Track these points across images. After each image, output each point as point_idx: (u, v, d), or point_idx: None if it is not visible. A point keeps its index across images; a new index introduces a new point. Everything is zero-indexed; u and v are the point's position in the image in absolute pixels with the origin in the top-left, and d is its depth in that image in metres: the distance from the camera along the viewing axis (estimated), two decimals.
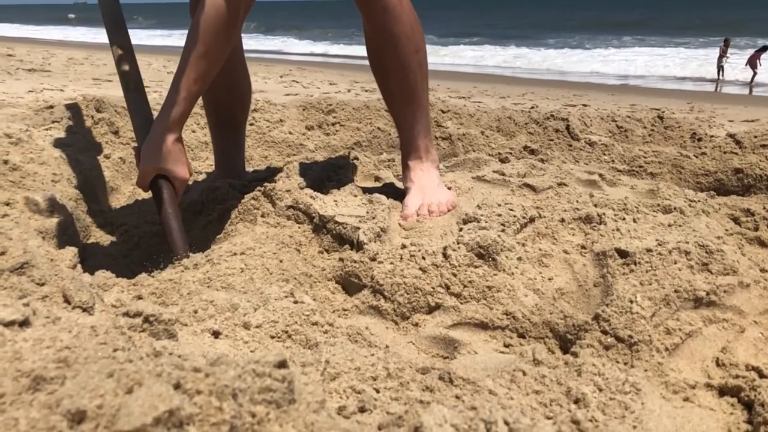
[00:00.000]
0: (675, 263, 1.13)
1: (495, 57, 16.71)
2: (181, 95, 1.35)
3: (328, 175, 1.80)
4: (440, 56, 16.41)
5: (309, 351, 0.92)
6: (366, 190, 1.61)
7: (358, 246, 1.32)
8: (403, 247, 1.27)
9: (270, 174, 1.87)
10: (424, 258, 1.22)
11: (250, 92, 1.94)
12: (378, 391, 0.84)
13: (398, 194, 1.63)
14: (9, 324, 0.69)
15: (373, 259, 1.25)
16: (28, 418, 0.49)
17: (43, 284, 1.06)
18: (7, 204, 1.39)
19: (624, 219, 1.37)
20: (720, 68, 12.81)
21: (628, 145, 2.35)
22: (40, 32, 23.59)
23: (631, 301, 1.06)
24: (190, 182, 1.87)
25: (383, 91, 1.64)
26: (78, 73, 5.64)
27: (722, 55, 13.08)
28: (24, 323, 0.72)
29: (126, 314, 0.88)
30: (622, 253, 1.20)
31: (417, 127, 1.62)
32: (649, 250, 1.16)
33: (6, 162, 1.64)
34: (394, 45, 1.53)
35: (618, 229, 1.31)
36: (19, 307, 0.74)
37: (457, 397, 0.83)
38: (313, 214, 1.41)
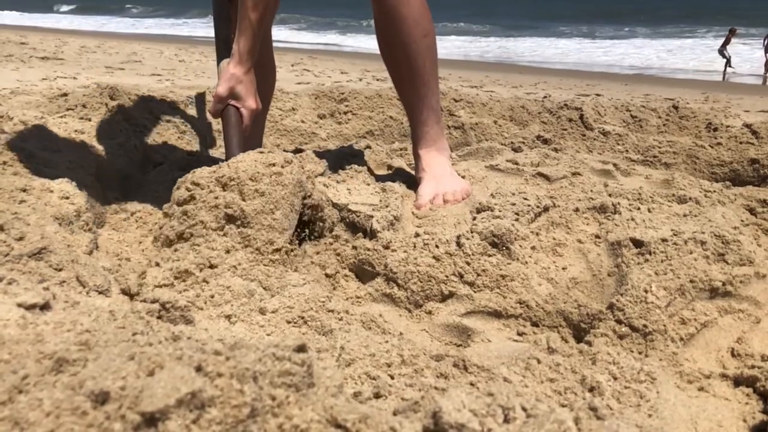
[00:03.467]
0: (690, 253, 1.13)
1: (507, 46, 16.59)
2: (244, 25, 1.42)
3: (340, 163, 1.80)
4: (452, 45, 16.32)
5: (324, 337, 0.92)
6: (379, 179, 1.61)
7: (371, 234, 1.33)
8: (417, 235, 1.27)
9: None
10: (437, 246, 1.22)
11: (274, 83, 1.94)
12: (392, 378, 0.85)
13: (411, 183, 1.63)
14: (30, 307, 0.70)
15: (386, 247, 1.25)
16: (52, 398, 0.49)
17: (60, 270, 1.07)
18: (24, 190, 1.41)
19: (639, 209, 1.37)
20: (725, 58, 12.67)
21: (642, 135, 2.33)
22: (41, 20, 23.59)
23: (646, 291, 1.06)
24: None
25: (393, 76, 1.64)
26: (91, 61, 5.66)
27: (726, 43, 12.95)
28: (45, 307, 0.73)
29: (143, 300, 0.89)
30: (637, 243, 1.19)
31: (427, 112, 1.61)
32: (664, 240, 1.16)
33: (22, 149, 1.65)
34: (403, 28, 1.53)
35: (633, 219, 1.30)
36: (39, 291, 0.75)
37: (472, 384, 0.83)
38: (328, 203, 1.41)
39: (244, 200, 1.19)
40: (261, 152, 1.27)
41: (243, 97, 1.46)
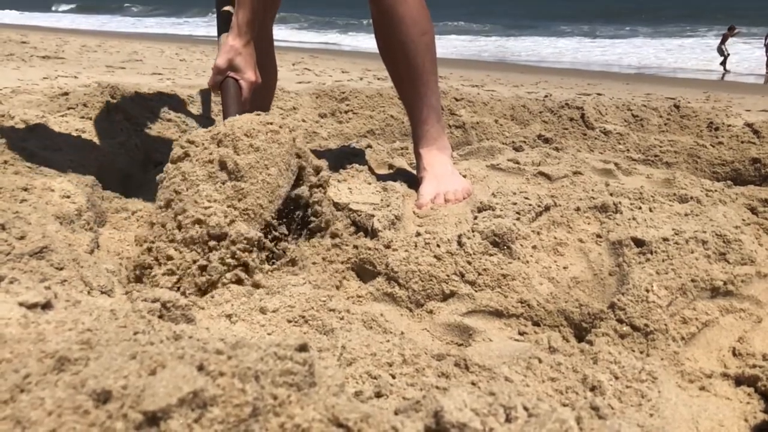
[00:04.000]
0: (692, 252, 1.12)
1: (508, 45, 16.59)
2: None
3: (341, 162, 1.80)
4: (452, 44, 16.31)
5: (325, 336, 0.92)
6: (380, 178, 1.61)
7: (372, 233, 1.33)
8: (418, 234, 1.27)
9: None
10: (438, 246, 1.22)
11: (275, 82, 1.94)
12: (394, 377, 0.85)
13: (412, 182, 1.63)
14: (32, 306, 0.70)
15: (387, 247, 1.25)
16: (54, 397, 0.49)
17: (61, 269, 1.07)
18: (25, 189, 1.41)
19: (640, 208, 1.36)
20: (724, 55, 12.67)
21: (643, 134, 2.33)
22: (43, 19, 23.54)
23: (647, 290, 1.06)
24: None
25: (392, 76, 1.64)
26: (91, 60, 5.66)
27: (724, 40, 12.95)
28: (46, 306, 0.73)
29: (144, 300, 0.89)
30: (638, 242, 1.19)
31: (427, 111, 1.61)
32: (665, 239, 1.16)
33: (23, 148, 1.65)
34: (401, 28, 1.53)
35: (634, 218, 1.30)
36: (41, 290, 0.75)
37: (473, 384, 0.83)
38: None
39: (238, 155, 1.17)
40: (258, 114, 1.26)
41: (242, 69, 1.45)
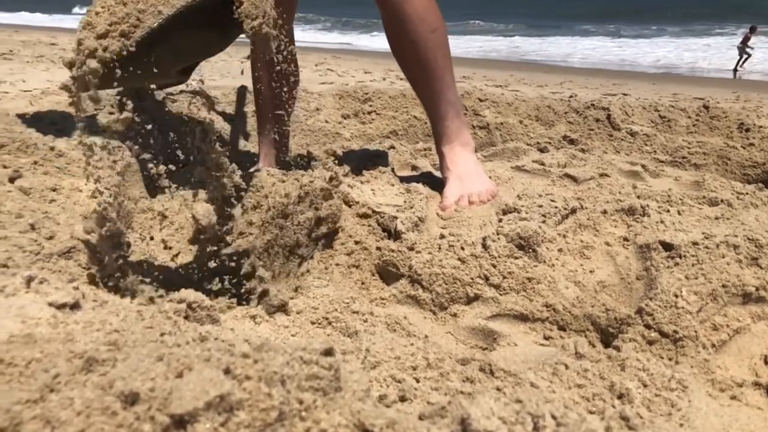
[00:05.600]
0: (723, 257, 1.10)
1: (531, 45, 16.46)
2: None
3: (364, 164, 1.79)
4: (475, 44, 16.23)
5: (349, 339, 0.92)
6: (403, 180, 1.61)
7: (395, 235, 1.32)
8: (442, 237, 1.26)
9: (308, 162, 1.88)
10: (462, 248, 1.21)
11: (297, 83, 1.95)
12: (418, 381, 0.84)
13: (435, 183, 1.62)
14: (61, 306, 0.71)
15: (411, 249, 1.25)
16: (83, 398, 0.50)
17: (89, 268, 1.08)
18: (54, 190, 1.43)
19: (668, 211, 1.34)
20: (745, 56, 12.42)
21: (671, 136, 2.29)
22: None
23: (676, 296, 1.04)
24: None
25: (407, 76, 1.64)
26: None
27: (745, 41, 12.70)
28: (74, 306, 0.74)
29: (170, 300, 0.89)
30: (667, 246, 1.17)
31: (445, 106, 1.60)
32: (695, 243, 1.13)
33: (52, 148, 1.68)
34: (410, 27, 1.53)
35: (662, 222, 1.28)
36: (69, 291, 0.76)
37: (499, 389, 0.82)
38: (351, 203, 1.41)
39: None
40: None
41: None
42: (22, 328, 0.65)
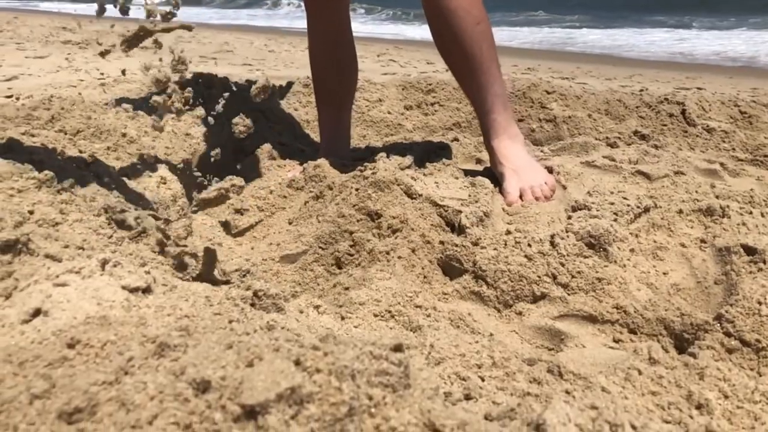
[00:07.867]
0: None
1: (597, 36, 15.95)
2: None
3: (428, 156, 1.77)
4: (541, 35, 15.86)
5: (412, 333, 0.91)
6: (467, 173, 1.58)
7: (459, 230, 1.30)
8: (508, 233, 1.23)
9: (370, 153, 1.87)
10: (530, 245, 1.18)
11: (356, 71, 1.94)
12: (483, 380, 0.82)
13: None
14: (134, 290, 0.72)
15: (475, 244, 1.22)
16: (156, 383, 0.50)
17: (158, 253, 1.11)
18: (125, 175, 1.47)
19: (751, 213, 1.26)
20: None
21: (752, 133, 2.16)
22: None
23: (760, 303, 0.98)
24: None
25: (452, 70, 1.61)
26: (186, 51, 5.89)
27: None
28: (146, 290, 0.75)
29: (237, 286, 0.90)
30: (750, 250, 1.11)
31: (491, 99, 1.56)
32: None
33: (124, 135, 1.73)
34: (454, 21, 1.50)
35: (744, 224, 1.21)
36: (141, 274, 0.77)
37: (568, 392, 0.79)
38: (414, 196, 1.39)
39: None
40: None
41: None
42: (97, 310, 0.67)
